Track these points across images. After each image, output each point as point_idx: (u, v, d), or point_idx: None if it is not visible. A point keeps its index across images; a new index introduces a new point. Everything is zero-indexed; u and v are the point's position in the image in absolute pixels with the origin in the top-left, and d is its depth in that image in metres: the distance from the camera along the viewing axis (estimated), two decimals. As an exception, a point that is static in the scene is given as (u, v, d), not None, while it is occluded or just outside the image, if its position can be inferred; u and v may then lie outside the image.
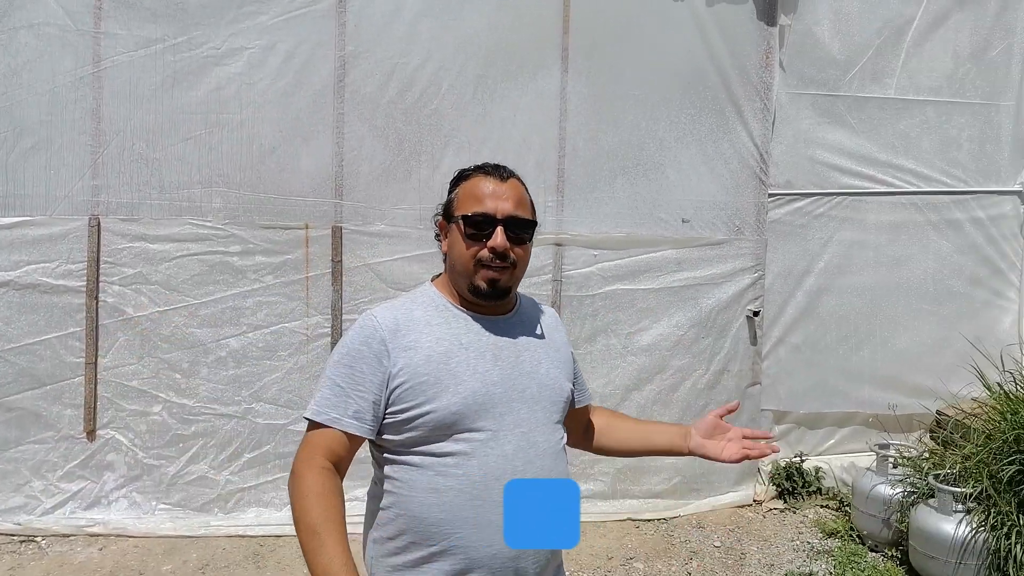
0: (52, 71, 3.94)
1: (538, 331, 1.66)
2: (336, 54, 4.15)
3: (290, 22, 4.12)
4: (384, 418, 1.48)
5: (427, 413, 1.45)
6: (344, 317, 4.19)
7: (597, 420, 1.89)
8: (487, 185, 1.55)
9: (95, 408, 4.02)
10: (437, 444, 1.45)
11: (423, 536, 1.45)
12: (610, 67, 4.38)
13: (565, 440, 1.64)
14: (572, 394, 1.71)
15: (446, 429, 1.45)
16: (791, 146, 4.60)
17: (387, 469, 1.51)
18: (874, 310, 4.73)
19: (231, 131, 4.10)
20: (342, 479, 1.49)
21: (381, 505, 1.52)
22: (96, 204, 4.01)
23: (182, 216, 4.07)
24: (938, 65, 4.76)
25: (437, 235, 1.65)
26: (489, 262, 1.51)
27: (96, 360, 4.01)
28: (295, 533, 1.42)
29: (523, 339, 1.60)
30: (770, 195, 4.57)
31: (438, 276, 1.66)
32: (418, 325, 1.52)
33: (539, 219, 1.65)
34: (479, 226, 1.51)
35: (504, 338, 1.57)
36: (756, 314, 4.54)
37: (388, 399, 1.47)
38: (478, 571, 1.44)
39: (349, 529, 1.40)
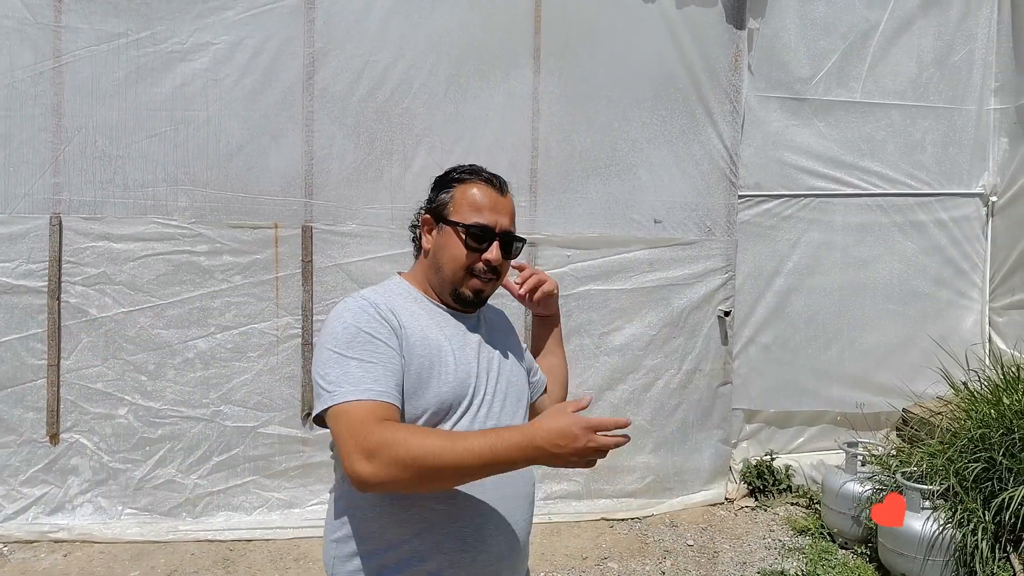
0: (10, 65, 3.83)
1: (500, 331, 1.71)
2: (305, 51, 4.09)
3: (257, 18, 4.05)
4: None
5: (420, 401, 1.43)
6: (315, 318, 4.13)
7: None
8: (488, 196, 1.55)
9: (58, 411, 3.92)
10: None
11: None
12: (582, 68, 4.39)
13: None
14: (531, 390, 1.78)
15: (431, 417, 1.44)
16: (760, 148, 4.66)
17: None
18: (841, 310, 4.80)
19: (197, 128, 4.02)
20: None
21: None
22: (57, 202, 3.91)
23: (147, 215, 3.98)
24: (903, 69, 4.85)
25: (415, 226, 1.63)
26: (480, 273, 1.53)
27: (59, 362, 3.90)
28: (444, 475, 1.30)
29: (490, 337, 1.64)
30: (740, 196, 4.61)
31: (404, 272, 1.65)
32: (403, 312, 1.50)
33: None
34: (478, 238, 1.52)
35: (474, 334, 1.59)
36: (727, 314, 4.58)
37: (404, 375, 1.43)
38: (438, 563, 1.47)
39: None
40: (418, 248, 1.63)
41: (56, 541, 3.79)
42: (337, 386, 1.36)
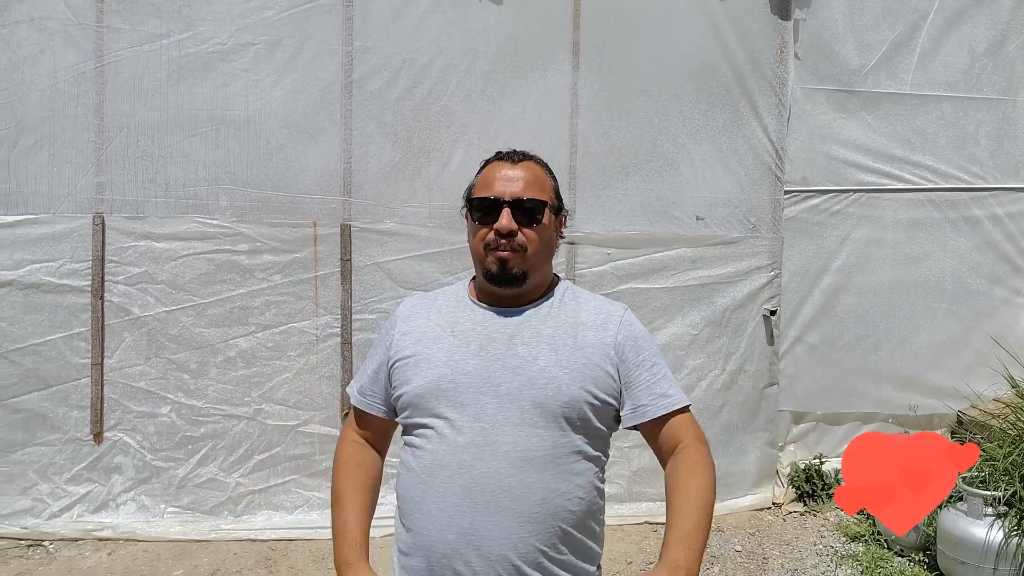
0: (54, 66, 3.87)
1: (554, 327, 1.51)
2: (343, 50, 4.08)
3: (296, 17, 4.04)
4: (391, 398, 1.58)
5: (402, 395, 1.50)
6: (354, 317, 4.11)
7: (671, 465, 1.53)
8: (498, 170, 1.54)
9: (102, 410, 3.95)
10: (413, 427, 1.50)
11: (400, 512, 1.52)
12: (621, 62, 4.31)
13: (563, 450, 1.43)
14: (598, 403, 1.48)
15: (414, 411, 1.48)
16: (806, 142, 4.53)
17: None
18: (892, 309, 4.65)
19: (237, 128, 4.02)
20: (381, 455, 1.66)
21: None
22: (100, 202, 3.94)
23: (188, 214, 4.00)
24: (954, 60, 4.69)
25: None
26: (495, 244, 1.49)
27: (102, 361, 3.93)
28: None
29: (529, 333, 1.50)
30: (786, 192, 4.49)
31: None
32: (429, 312, 1.58)
33: None
34: (486, 210, 1.51)
35: (503, 330, 1.50)
36: (773, 313, 4.46)
37: (389, 377, 1.56)
38: (417, 556, 1.45)
39: (379, 532, 1.38)
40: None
41: (100, 539, 3.81)
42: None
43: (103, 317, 3.93)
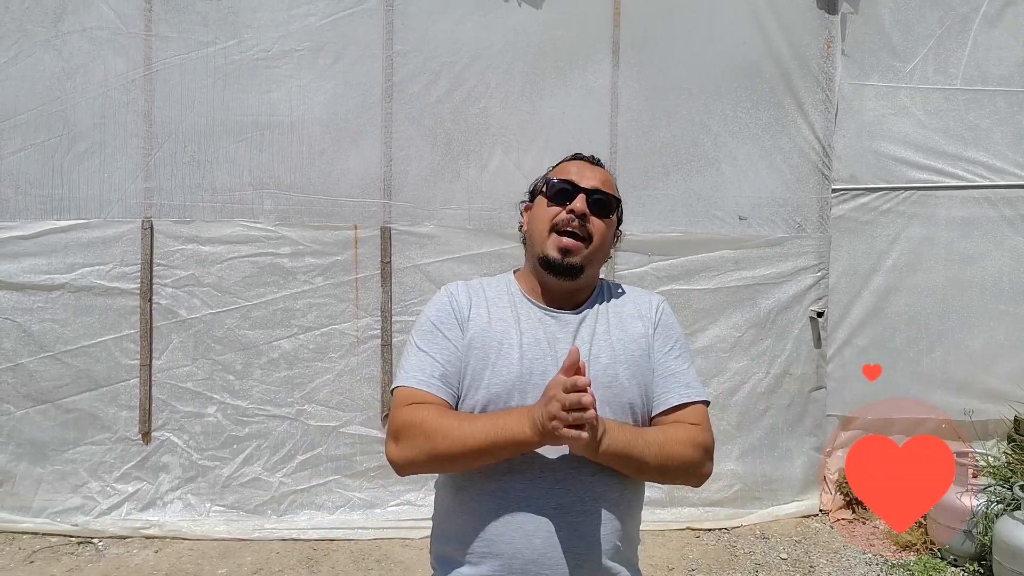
0: (104, 74, 3.97)
1: (606, 324, 1.53)
2: (383, 54, 4.11)
3: (338, 23, 4.09)
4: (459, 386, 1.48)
5: (477, 392, 1.44)
6: (394, 318, 4.13)
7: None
8: (576, 164, 1.60)
9: (150, 410, 4.03)
10: None
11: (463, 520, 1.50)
12: (662, 60, 4.26)
13: None
14: (646, 394, 1.51)
15: (483, 411, 1.43)
16: (855, 139, 4.41)
17: None
18: (946, 310, 4.49)
19: (281, 133, 4.08)
20: None
21: None
22: (149, 206, 4.03)
23: (234, 218, 4.06)
24: (1008, 54, 4.52)
25: (521, 226, 1.66)
26: (565, 224, 1.49)
27: (151, 362, 4.02)
28: (455, 452, 1.34)
29: (587, 331, 1.51)
30: (833, 190, 4.38)
31: (519, 270, 1.64)
32: (485, 302, 1.53)
33: None
34: (563, 192, 1.52)
35: (565, 329, 1.51)
36: (820, 315, 4.35)
37: (463, 368, 1.46)
38: (491, 563, 1.42)
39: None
40: (520, 228, 1.66)
41: (147, 537, 3.89)
42: (401, 370, 1.48)
43: (151, 319, 4.02)
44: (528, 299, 1.55)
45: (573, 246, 1.49)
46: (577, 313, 1.54)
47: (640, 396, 1.49)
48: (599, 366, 1.46)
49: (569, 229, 1.49)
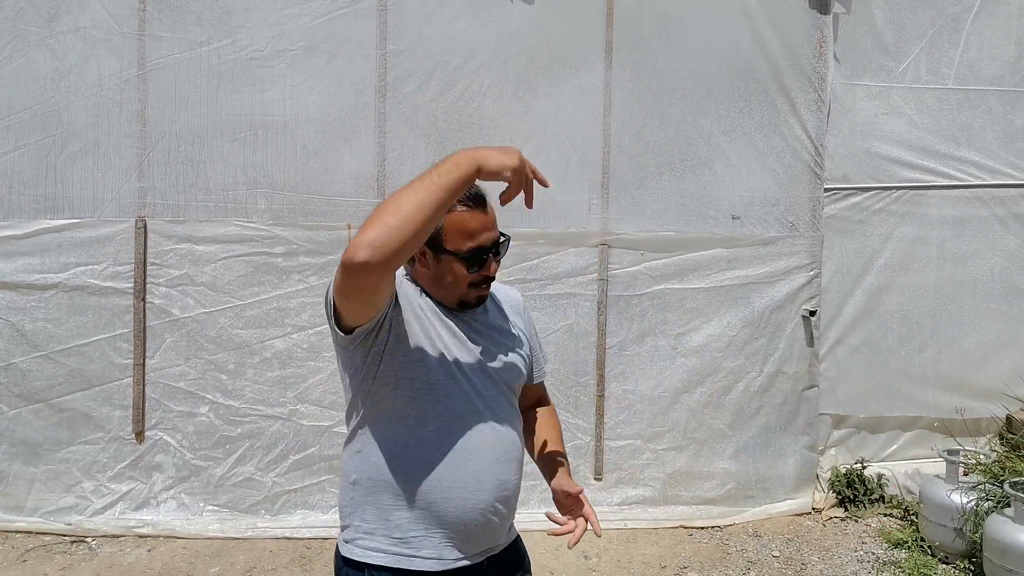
0: (98, 74, 3.97)
1: (499, 316, 1.81)
2: (377, 54, 4.12)
3: (331, 23, 4.09)
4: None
5: (417, 342, 1.61)
6: (388, 318, 4.13)
7: (540, 411, 1.97)
8: (474, 218, 1.62)
9: (143, 409, 4.03)
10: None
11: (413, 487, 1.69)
12: (655, 60, 4.27)
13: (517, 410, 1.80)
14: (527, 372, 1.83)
15: (424, 371, 1.63)
16: (847, 139, 4.43)
17: None
18: (938, 309, 4.51)
19: (275, 133, 4.09)
20: None
21: None
22: (142, 206, 4.03)
23: (227, 217, 4.07)
24: (1000, 53, 4.55)
25: (415, 261, 1.69)
26: (480, 284, 1.67)
27: (144, 361, 4.02)
28: (414, 207, 1.39)
29: (484, 325, 1.75)
30: (826, 190, 4.40)
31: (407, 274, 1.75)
32: (421, 310, 1.68)
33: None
34: (478, 261, 1.64)
35: (466, 326, 1.71)
36: (812, 314, 4.36)
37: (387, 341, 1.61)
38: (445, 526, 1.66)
39: None
40: (411, 262, 1.69)
41: (141, 536, 3.89)
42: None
43: (145, 318, 4.02)
44: (433, 299, 1.70)
45: (486, 292, 1.72)
46: (476, 313, 1.75)
47: (524, 375, 1.80)
48: (492, 354, 1.72)
49: (484, 285, 1.69)
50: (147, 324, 4.02)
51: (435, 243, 1.62)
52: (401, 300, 1.62)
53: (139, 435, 4.03)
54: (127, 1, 3.99)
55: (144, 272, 4.02)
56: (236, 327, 4.07)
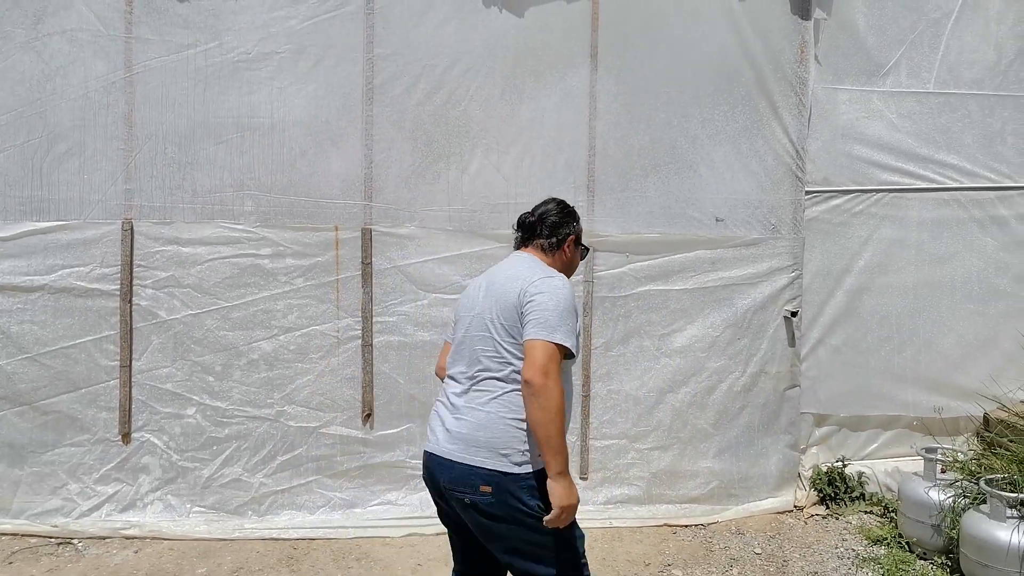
0: (85, 76, 3.98)
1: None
2: (364, 57, 4.14)
3: (319, 26, 4.12)
4: None
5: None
6: (375, 319, 4.16)
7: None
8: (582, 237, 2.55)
9: (130, 411, 4.04)
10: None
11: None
12: (640, 64, 4.32)
13: None
14: None
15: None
16: (828, 142, 4.50)
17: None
18: (917, 310, 4.59)
19: (262, 135, 4.10)
20: None
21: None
22: (129, 208, 4.04)
23: (214, 219, 4.08)
24: (979, 57, 4.63)
25: (560, 237, 2.41)
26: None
27: (130, 363, 4.03)
28: (547, 422, 2.03)
29: None
30: (807, 192, 4.46)
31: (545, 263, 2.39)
32: None
33: None
34: (585, 254, 2.60)
35: None
36: (794, 314, 4.43)
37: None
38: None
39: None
40: (557, 247, 2.41)
41: (127, 537, 3.90)
42: (561, 333, 2.10)
43: (131, 320, 4.03)
44: None
45: None
46: None
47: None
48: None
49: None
50: (133, 326, 4.03)
51: (577, 239, 2.46)
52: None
53: (125, 437, 4.04)
54: (113, 3, 3.99)
55: (131, 274, 4.02)
56: (223, 329, 4.08)
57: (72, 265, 3.99)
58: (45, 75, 3.97)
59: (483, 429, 2.12)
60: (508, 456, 2.09)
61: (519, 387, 2.10)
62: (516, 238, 2.47)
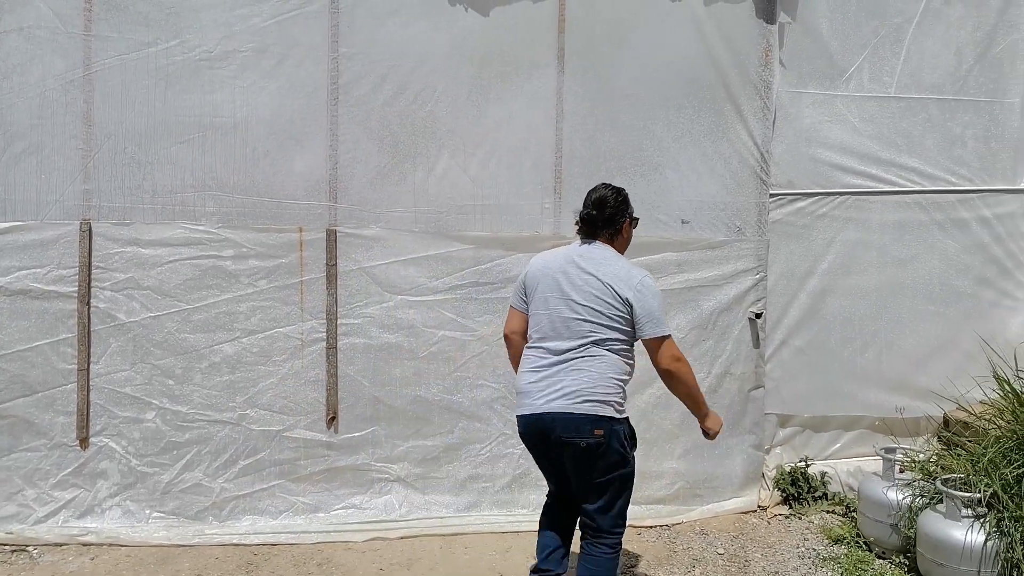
0: (42, 74, 3.90)
1: None
2: (329, 56, 4.11)
3: (282, 24, 4.07)
4: None
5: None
6: (339, 321, 4.12)
7: None
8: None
9: (88, 415, 3.97)
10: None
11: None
12: (607, 67, 4.33)
13: None
14: None
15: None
16: (792, 145, 4.54)
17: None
18: (879, 311, 4.64)
19: (224, 134, 4.05)
20: None
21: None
22: (87, 208, 3.97)
23: (175, 220, 4.03)
24: (941, 63, 4.70)
25: (619, 220, 2.95)
26: None
27: (88, 366, 3.96)
28: (693, 392, 2.89)
29: None
30: (771, 195, 4.50)
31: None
32: None
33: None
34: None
35: None
36: (758, 316, 4.46)
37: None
38: None
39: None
40: (618, 234, 2.96)
41: (84, 544, 3.83)
42: (665, 323, 2.79)
43: (89, 323, 3.96)
44: None
45: None
46: None
47: None
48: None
49: None
50: (92, 329, 3.96)
51: (634, 221, 3.04)
52: None
53: (83, 442, 3.97)
54: (72, 1, 3.92)
55: (89, 276, 3.96)
56: (184, 331, 4.03)
57: (29, 267, 3.91)
58: (1, 73, 3.88)
59: (596, 385, 2.67)
60: (612, 406, 2.69)
61: (619, 352, 2.75)
62: (580, 229, 2.94)
